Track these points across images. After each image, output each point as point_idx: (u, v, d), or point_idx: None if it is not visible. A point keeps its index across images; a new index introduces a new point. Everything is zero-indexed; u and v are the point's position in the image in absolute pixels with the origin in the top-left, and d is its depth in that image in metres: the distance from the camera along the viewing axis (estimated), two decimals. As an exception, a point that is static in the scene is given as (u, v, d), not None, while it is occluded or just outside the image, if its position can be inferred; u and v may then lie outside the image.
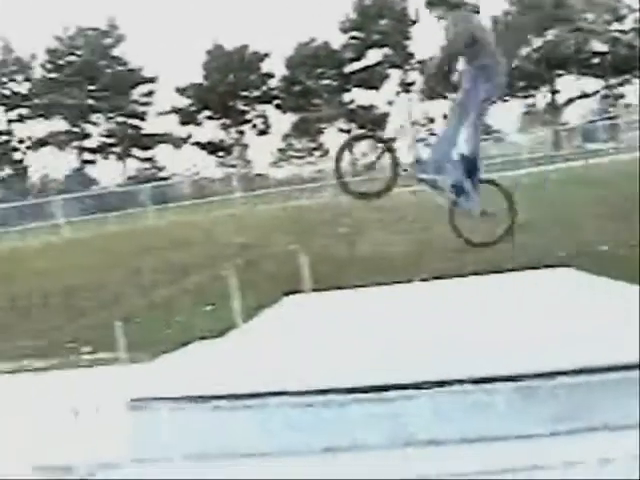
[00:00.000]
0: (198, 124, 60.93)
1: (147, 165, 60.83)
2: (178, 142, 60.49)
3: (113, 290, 13.37)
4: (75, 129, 59.84)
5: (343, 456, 3.80)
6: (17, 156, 60.58)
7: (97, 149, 61.18)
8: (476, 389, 3.70)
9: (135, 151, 61.02)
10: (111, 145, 60.82)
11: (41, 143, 60.22)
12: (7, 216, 40.17)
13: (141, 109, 60.42)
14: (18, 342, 14.91)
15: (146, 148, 60.66)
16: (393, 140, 9.11)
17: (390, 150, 9.03)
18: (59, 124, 59.94)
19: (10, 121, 60.54)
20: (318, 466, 3.76)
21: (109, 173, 60.47)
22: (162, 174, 57.85)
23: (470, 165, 8.73)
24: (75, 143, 60.52)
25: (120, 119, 60.59)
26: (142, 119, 60.29)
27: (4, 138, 60.16)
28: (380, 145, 9.11)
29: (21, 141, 60.56)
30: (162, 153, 61.10)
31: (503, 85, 8.68)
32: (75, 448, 6.18)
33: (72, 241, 25.78)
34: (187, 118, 60.03)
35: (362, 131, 9.36)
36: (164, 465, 4.44)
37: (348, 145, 9.26)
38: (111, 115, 60.48)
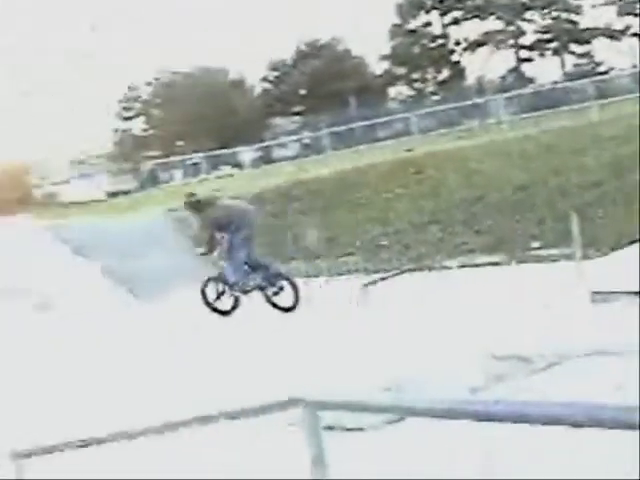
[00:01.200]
0: (637, 15, 58.25)
1: (585, 60, 59.27)
2: (616, 34, 58.30)
3: (557, 187, 13.28)
4: (510, 28, 59.63)
5: None
6: (454, 58, 61.70)
7: (533, 46, 60.63)
8: None
9: (572, 46, 59.71)
10: (547, 41, 59.97)
11: (477, 44, 60.77)
12: (448, 116, 41.21)
13: (576, 3, 58.81)
14: (463, 239, 15.42)
15: (583, 42, 59.13)
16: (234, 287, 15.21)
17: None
18: (494, 24, 60.10)
19: (445, 25, 61.63)
20: None
21: (545, 70, 59.54)
22: (600, 68, 56.10)
23: (259, 269, 14.87)
24: (510, 42, 60.40)
25: (555, 14, 59.48)
26: (577, 13, 58.70)
27: (440, 42, 61.43)
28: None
29: (457, 43, 61.50)
30: (600, 46, 59.01)
31: (251, 233, 14.65)
32: (534, 340, 6.36)
33: (513, 139, 25.99)
34: (627, 9, 57.63)
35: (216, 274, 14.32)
36: (626, 356, 4.47)
37: (205, 286, 15.03)
38: (545, 11, 59.51)
